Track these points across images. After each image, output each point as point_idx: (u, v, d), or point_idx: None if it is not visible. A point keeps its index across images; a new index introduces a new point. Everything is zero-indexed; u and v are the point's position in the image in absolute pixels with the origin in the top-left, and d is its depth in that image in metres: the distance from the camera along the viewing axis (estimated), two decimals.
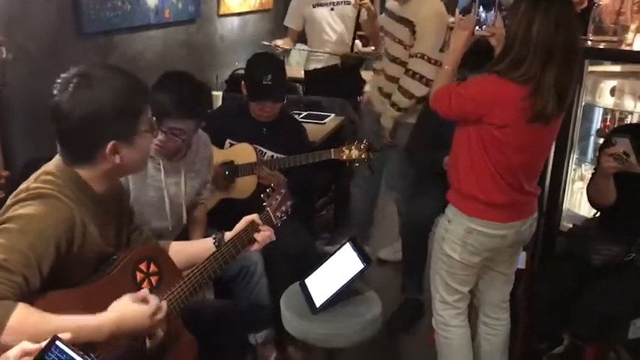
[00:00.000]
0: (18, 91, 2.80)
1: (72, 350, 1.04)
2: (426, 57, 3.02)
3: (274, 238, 1.86)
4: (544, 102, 1.81)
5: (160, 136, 2.06)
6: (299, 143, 2.84)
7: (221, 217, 2.48)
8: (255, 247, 1.82)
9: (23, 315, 1.23)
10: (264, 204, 1.91)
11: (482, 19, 1.94)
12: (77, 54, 3.35)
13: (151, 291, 1.49)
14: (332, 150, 2.64)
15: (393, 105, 3.15)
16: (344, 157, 2.61)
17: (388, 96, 3.21)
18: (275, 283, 2.43)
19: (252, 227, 1.79)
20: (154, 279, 1.53)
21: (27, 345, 1.05)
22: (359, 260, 1.96)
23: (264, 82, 2.62)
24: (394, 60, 3.17)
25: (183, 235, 2.33)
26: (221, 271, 1.72)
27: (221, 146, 2.78)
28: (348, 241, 2.08)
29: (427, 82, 3.02)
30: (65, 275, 1.41)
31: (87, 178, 1.49)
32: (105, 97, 1.43)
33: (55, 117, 1.45)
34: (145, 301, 1.41)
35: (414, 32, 3.04)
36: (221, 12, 4.91)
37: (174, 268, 1.63)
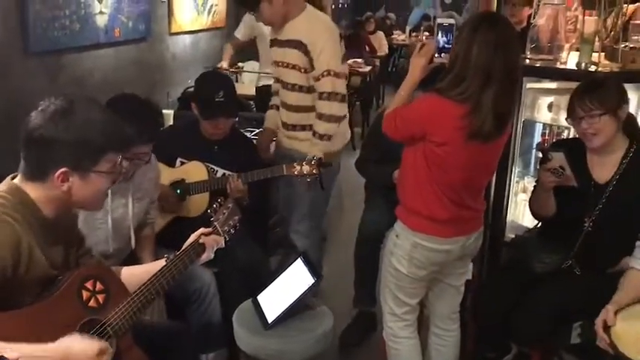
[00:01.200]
0: None
1: None
2: (332, 72, 2.74)
3: (222, 244, 1.89)
4: (481, 121, 1.87)
5: (125, 164, 2.05)
6: (250, 160, 2.86)
7: (173, 237, 2.47)
8: (205, 255, 1.84)
9: None
10: (212, 219, 1.93)
11: (440, 45, 1.97)
12: (25, 73, 3.31)
13: (98, 309, 1.49)
14: (284, 166, 2.67)
15: (322, 137, 2.80)
16: (295, 173, 2.63)
17: (294, 127, 2.94)
18: (228, 300, 2.43)
19: (200, 240, 1.82)
20: (100, 297, 1.53)
21: None
22: (309, 275, 2.00)
23: (216, 99, 2.64)
24: (293, 88, 2.87)
25: (132, 258, 2.31)
26: (170, 286, 1.72)
27: (172, 165, 2.78)
28: (299, 256, 2.10)
29: (343, 98, 2.85)
30: (9, 298, 1.39)
31: (37, 200, 1.48)
32: (77, 124, 1.46)
33: (24, 127, 1.47)
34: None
35: (307, 53, 2.76)
36: (172, 30, 4.93)
37: (121, 286, 1.63)
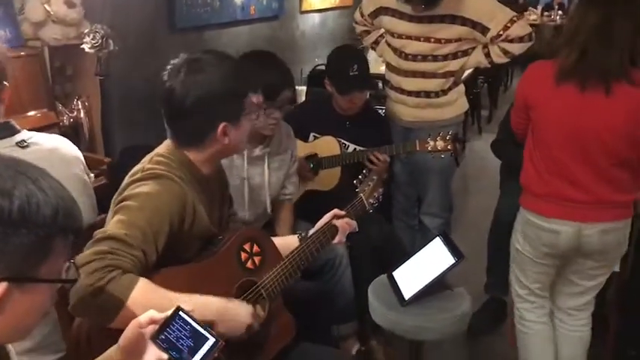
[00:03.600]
0: (117, 82, 2.94)
1: (194, 321, 1.09)
2: (513, 19, 2.67)
3: (356, 228, 1.88)
4: (567, 55, 1.87)
5: (276, 114, 2.14)
6: (382, 136, 2.84)
7: (306, 208, 2.53)
8: (338, 238, 1.84)
9: (145, 288, 1.29)
10: (357, 190, 1.93)
11: None
12: (170, 48, 3.48)
13: (254, 271, 1.54)
14: (417, 141, 2.62)
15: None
16: (429, 149, 2.57)
17: (437, 94, 2.86)
18: (359, 275, 2.45)
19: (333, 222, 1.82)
20: (257, 259, 1.58)
21: (154, 313, 1.10)
22: (450, 255, 1.94)
23: (351, 74, 2.64)
24: (415, 58, 2.80)
25: (268, 229, 2.38)
26: (306, 265, 1.74)
27: (305, 139, 2.82)
28: (438, 235, 2.06)
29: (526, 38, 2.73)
30: (173, 253, 1.47)
31: (195, 160, 1.55)
32: (215, 80, 1.48)
33: (167, 102, 1.51)
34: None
35: (473, 26, 2.67)
36: (303, 8, 4.98)
37: (276, 251, 1.67)
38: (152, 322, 1.10)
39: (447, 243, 1.99)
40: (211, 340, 1.08)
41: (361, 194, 1.91)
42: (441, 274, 1.92)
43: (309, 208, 2.44)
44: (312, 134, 2.85)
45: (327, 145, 2.79)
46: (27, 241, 0.82)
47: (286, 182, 2.45)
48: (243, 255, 1.56)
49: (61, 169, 1.60)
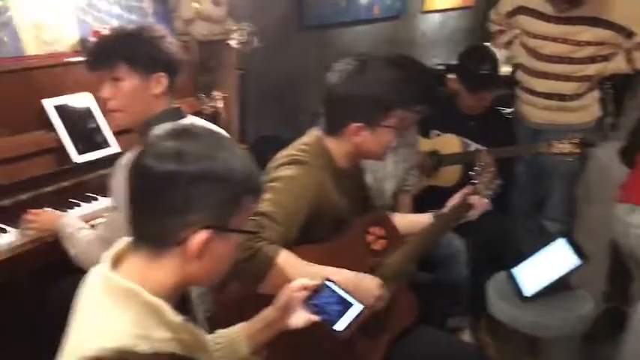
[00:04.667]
0: (252, 76, 3.16)
1: (342, 290, 1.21)
2: None
3: (489, 207, 1.92)
4: None
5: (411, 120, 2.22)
6: (505, 137, 2.84)
7: (424, 204, 2.59)
8: (472, 212, 1.88)
9: (287, 257, 1.44)
10: (474, 181, 1.96)
11: None
12: (298, 45, 3.66)
13: (380, 252, 1.64)
14: (544, 143, 2.59)
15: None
16: (554, 151, 2.54)
17: (570, 97, 2.83)
18: (475, 269, 2.48)
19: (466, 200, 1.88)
20: (382, 242, 1.68)
21: (305, 281, 1.24)
22: (574, 256, 1.94)
23: (481, 72, 2.68)
24: (550, 60, 2.78)
25: None
26: (436, 244, 1.80)
27: (426, 136, 2.88)
28: (561, 237, 2.05)
29: None
30: (309, 232, 1.60)
31: (333, 151, 1.67)
32: (369, 82, 1.59)
33: (326, 87, 1.64)
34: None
35: (619, 30, 2.62)
36: (424, 8, 5.01)
37: (399, 234, 1.77)
38: (303, 288, 1.23)
39: (571, 244, 1.99)
40: (357, 307, 1.20)
41: (478, 185, 1.95)
42: (566, 274, 1.93)
43: (427, 203, 2.51)
44: (433, 131, 2.91)
45: (448, 143, 2.84)
46: (224, 196, 0.96)
47: (408, 174, 2.53)
48: (370, 237, 1.66)
49: None
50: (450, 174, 2.78)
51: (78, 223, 1.83)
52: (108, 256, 1.03)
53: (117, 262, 1.02)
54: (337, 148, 1.68)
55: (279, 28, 3.51)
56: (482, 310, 2.11)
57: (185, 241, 0.96)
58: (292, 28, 3.63)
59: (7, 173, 1.97)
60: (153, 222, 0.96)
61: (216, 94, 2.93)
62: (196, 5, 2.72)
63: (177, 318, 0.97)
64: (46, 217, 1.88)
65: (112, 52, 1.69)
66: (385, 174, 2.41)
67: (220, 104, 2.93)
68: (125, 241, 1.05)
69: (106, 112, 2.02)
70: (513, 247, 2.69)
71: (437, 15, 5.26)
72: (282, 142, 1.76)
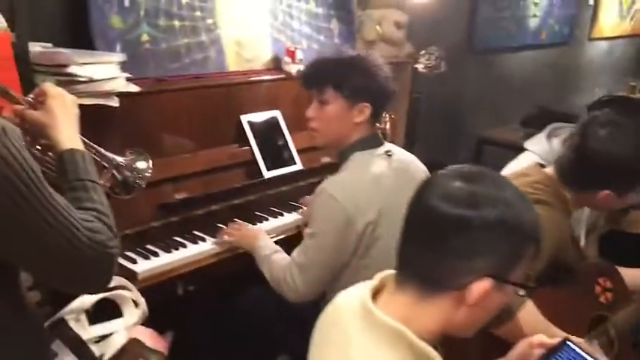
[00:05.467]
0: (422, 99, 3.11)
1: (584, 352, 1.11)
2: None
3: None
4: None
5: None
6: None
7: (608, 248, 2.40)
8: None
9: (531, 309, 1.35)
10: None
11: None
12: (465, 69, 3.58)
13: (606, 306, 1.51)
14: None
15: None
16: None
17: None
18: None
19: None
20: (608, 295, 1.55)
21: (545, 338, 1.14)
22: None
23: None
24: None
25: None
26: None
27: None
28: None
29: None
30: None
31: (569, 199, 1.52)
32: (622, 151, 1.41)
33: (584, 138, 1.48)
34: None
35: None
36: (592, 35, 4.74)
37: (626, 289, 1.61)
38: (541, 345, 1.14)
39: None
40: None
41: None
42: None
43: (612, 248, 2.32)
44: None
45: None
46: (512, 245, 0.90)
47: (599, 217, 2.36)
48: (598, 288, 1.53)
49: (415, 179, 1.74)
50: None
51: (273, 245, 1.85)
52: (368, 286, 1.00)
53: (375, 294, 0.99)
54: (573, 197, 1.52)
55: (452, 51, 3.44)
56: None
57: (465, 286, 0.91)
58: (462, 52, 3.55)
59: (205, 184, 2.05)
60: (432, 262, 0.92)
61: (384, 115, 2.91)
62: (379, 28, 2.72)
63: None
64: (245, 233, 1.92)
65: (324, 76, 1.71)
66: (581, 217, 2.26)
67: (387, 125, 2.90)
68: (386, 274, 1.01)
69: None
70: None
71: (604, 42, 4.97)
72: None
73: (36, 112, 1.10)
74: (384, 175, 1.70)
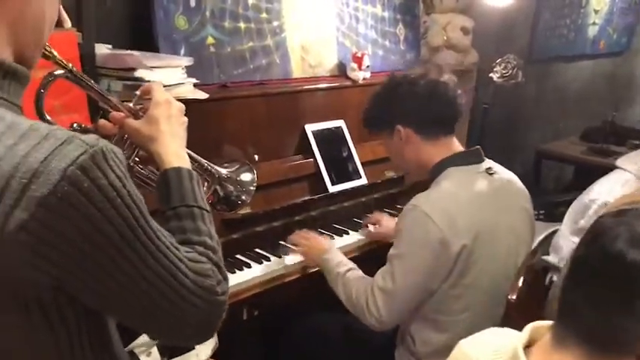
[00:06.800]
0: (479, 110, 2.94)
1: None
2: None
3: None
4: None
5: None
6: None
7: None
8: None
9: None
10: None
11: None
12: (525, 78, 3.40)
13: None
14: None
15: None
16: None
17: None
18: None
19: None
20: None
21: None
22: None
23: None
24: None
25: None
26: None
27: None
28: None
29: None
30: None
31: None
32: None
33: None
34: None
35: None
36: None
37: None
38: None
39: None
40: None
41: None
42: None
43: None
44: None
45: None
46: None
47: None
48: None
49: (515, 200, 1.60)
50: None
51: (347, 261, 1.68)
52: (523, 336, 0.85)
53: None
54: None
55: None
56: None
57: None
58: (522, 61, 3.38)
59: (266, 199, 1.91)
60: (611, 322, 0.76)
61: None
62: (444, 33, 2.57)
63: None
64: (314, 244, 1.76)
65: (387, 119, 1.59)
66: None
67: None
68: (538, 325, 0.86)
69: None
70: None
71: None
72: None
73: (137, 121, 0.93)
74: (484, 194, 1.52)
